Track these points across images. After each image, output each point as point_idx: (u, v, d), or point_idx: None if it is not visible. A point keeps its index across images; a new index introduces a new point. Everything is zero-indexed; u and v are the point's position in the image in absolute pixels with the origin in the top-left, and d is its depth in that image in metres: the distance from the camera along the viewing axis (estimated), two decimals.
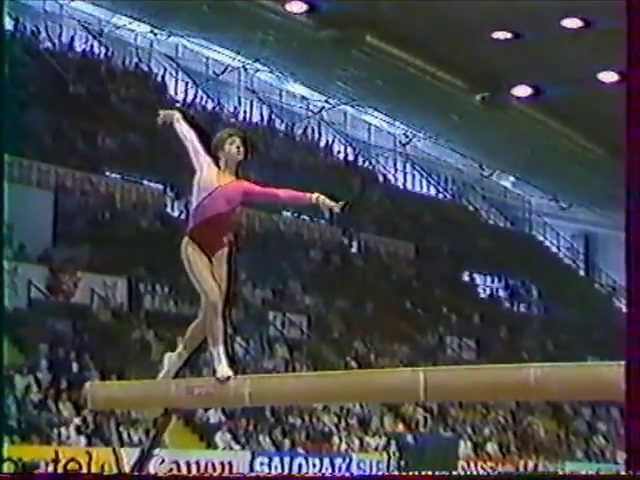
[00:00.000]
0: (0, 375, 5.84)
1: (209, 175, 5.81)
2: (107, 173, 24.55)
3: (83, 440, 16.49)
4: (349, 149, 33.69)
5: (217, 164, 5.85)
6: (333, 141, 33.25)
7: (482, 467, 20.61)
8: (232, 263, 5.90)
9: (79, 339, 19.15)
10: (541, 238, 37.40)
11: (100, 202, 23.11)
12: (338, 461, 19.32)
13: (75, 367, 18.18)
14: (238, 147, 5.87)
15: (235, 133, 5.95)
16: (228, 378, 5.66)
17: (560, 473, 16.80)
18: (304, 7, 25.15)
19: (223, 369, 5.73)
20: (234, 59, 30.24)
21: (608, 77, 25.94)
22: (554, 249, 37.43)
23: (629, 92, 3.95)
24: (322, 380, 5.65)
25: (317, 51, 27.20)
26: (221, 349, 5.83)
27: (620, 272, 35.68)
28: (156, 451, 6.43)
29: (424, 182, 35.95)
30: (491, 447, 22.17)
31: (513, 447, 22.69)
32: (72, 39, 28.00)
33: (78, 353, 18.50)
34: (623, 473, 4.03)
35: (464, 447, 21.13)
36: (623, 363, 4.40)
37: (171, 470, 15.66)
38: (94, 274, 20.54)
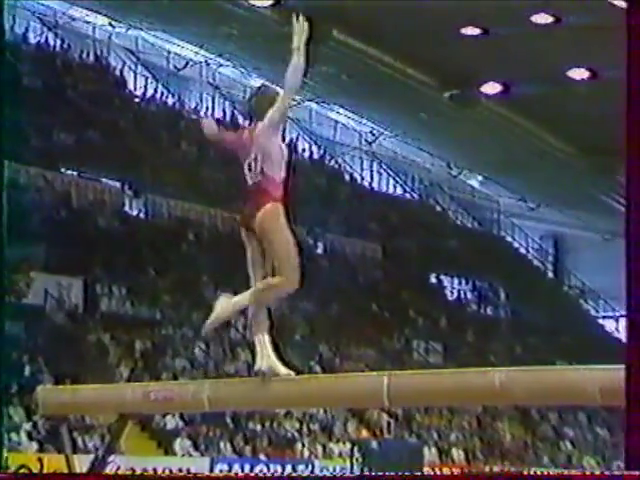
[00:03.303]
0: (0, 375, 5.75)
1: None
2: (63, 170, 24.32)
3: (34, 446, 16.34)
4: (314, 147, 33.69)
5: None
6: (298, 138, 33.22)
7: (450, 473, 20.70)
8: (280, 217, 5.39)
9: (32, 341, 18.97)
10: (509, 239, 37.63)
11: (55, 200, 22.90)
12: (300, 468, 19.32)
13: (27, 370, 18.00)
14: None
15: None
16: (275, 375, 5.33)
17: (561, 473, 16.85)
18: (269, 1, 25.10)
19: (277, 366, 5.40)
20: (196, 53, 30.11)
21: (578, 74, 26.16)
22: (522, 250, 37.68)
23: (629, 93, 3.94)
24: (284, 385, 5.62)
25: (282, 46, 27.04)
26: (266, 338, 5.53)
27: (589, 274, 36.08)
28: (111, 458, 6.37)
29: (391, 181, 36.03)
30: (456, 453, 22.28)
31: (479, 453, 22.81)
32: (26, 30, 27.72)
33: (31, 356, 18.32)
34: (623, 473, 4.05)
35: (429, 453, 21.22)
36: (590, 367, 4.43)
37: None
38: (48, 274, 20.35)
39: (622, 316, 36.29)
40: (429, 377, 5.31)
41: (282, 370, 5.44)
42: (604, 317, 36.13)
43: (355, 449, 18.62)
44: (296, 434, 20.52)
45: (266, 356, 5.49)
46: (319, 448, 20.38)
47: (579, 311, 35.89)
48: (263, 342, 5.54)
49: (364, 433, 21.17)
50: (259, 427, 20.17)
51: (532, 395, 4.84)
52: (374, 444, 19.08)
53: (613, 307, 36.22)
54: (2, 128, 5.08)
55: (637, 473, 3.93)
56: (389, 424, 21.81)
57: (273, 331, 5.58)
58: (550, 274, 38.31)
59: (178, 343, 21.53)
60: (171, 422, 18.97)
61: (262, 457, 19.44)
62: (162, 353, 20.87)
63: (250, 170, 5.50)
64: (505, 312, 32.03)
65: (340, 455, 20.10)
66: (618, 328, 35.84)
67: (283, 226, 5.42)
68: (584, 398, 4.60)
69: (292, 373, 5.45)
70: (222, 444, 19.33)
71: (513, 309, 32.00)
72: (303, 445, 20.28)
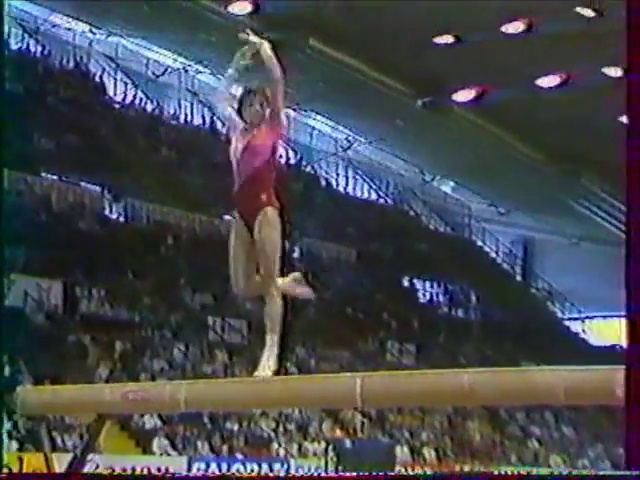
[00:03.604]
0: (0, 375, 5.72)
1: (235, 142, 5.48)
2: (43, 174, 24.20)
3: (14, 445, 16.24)
4: (291, 153, 33.72)
5: (243, 120, 5.45)
6: None
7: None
8: (278, 224, 5.42)
9: (11, 343, 18.83)
10: (480, 243, 37.82)
11: (36, 203, 22.78)
12: (276, 466, 19.31)
13: (7, 371, 17.88)
14: (257, 110, 5.41)
15: (252, 90, 5.43)
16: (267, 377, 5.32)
17: (562, 473, 16.86)
18: (247, 9, 25.10)
19: (266, 366, 5.41)
20: (175, 60, 30.06)
21: (547, 82, 26.36)
22: (493, 254, 37.88)
23: (629, 95, 3.95)
24: (260, 385, 5.63)
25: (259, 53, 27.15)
26: (275, 338, 5.51)
27: (556, 276, 36.33)
28: (89, 457, 6.35)
29: (366, 187, 36.12)
30: (428, 452, 22.35)
31: (449, 451, 22.90)
32: (7, 36, 27.55)
33: (10, 357, 18.21)
34: (623, 473, 4.07)
35: (401, 452, 21.27)
36: (555, 367, 4.47)
37: None
38: (28, 277, 20.24)
39: (588, 317, 36.59)
40: (400, 378, 5.34)
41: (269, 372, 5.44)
42: (570, 319, 36.39)
43: (329, 448, 18.65)
44: (272, 434, 20.52)
45: (270, 361, 5.48)
46: (295, 447, 20.39)
47: (546, 313, 36.11)
48: (272, 343, 5.54)
49: (338, 433, 21.19)
50: (236, 427, 20.16)
51: (499, 395, 4.87)
52: (348, 443, 19.12)
53: (579, 309, 36.51)
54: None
55: (637, 473, 3.91)
56: (363, 424, 21.85)
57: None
58: (519, 277, 38.54)
59: (157, 344, 21.48)
60: (150, 422, 18.91)
61: (239, 456, 19.42)
62: (141, 354, 20.80)
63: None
64: (476, 314, 32.17)
65: (315, 454, 20.11)
66: (584, 329, 36.14)
67: (279, 232, 5.46)
68: (549, 398, 4.63)
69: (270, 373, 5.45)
70: (199, 443, 19.29)
71: (483, 311, 32.16)
72: (279, 444, 20.28)
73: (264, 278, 5.56)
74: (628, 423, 3.86)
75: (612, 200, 33.54)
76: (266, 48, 5.44)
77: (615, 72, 25.29)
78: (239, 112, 5.49)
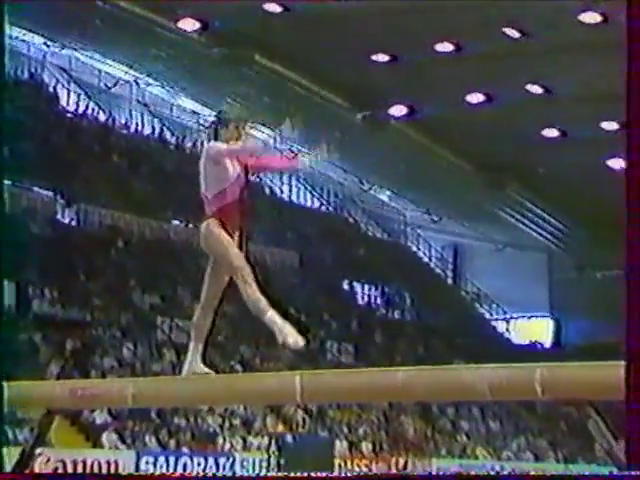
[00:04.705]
0: (0, 375, 5.55)
1: (230, 165, 5.69)
2: None
3: None
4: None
5: (216, 139, 5.69)
6: None
7: (357, 465, 20.80)
8: (245, 247, 5.60)
9: None
10: (414, 249, 38.11)
11: None
12: (222, 460, 19.18)
13: None
14: (240, 134, 5.77)
15: (241, 118, 5.83)
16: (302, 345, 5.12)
17: (563, 474, 16.85)
18: (196, 25, 24.98)
19: (293, 337, 5.16)
20: (126, 73, 29.79)
21: (475, 98, 26.69)
22: (426, 259, 38.20)
23: (629, 97, 3.94)
24: (206, 383, 5.59)
25: (208, 68, 27.05)
26: (274, 315, 5.27)
27: (483, 280, 36.81)
28: (38, 450, 6.24)
29: (308, 195, 36.17)
30: (365, 446, 22.40)
31: (385, 445, 22.98)
32: None
33: None
34: (623, 473, 4.05)
35: (340, 446, 21.29)
36: (480, 366, 4.51)
37: (57, 469, 15.26)
38: None
39: (512, 318, 37.10)
40: (338, 376, 5.35)
41: (298, 338, 5.20)
42: (496, 319, 36.88)
43: (272, 443, 18.60)
44: (218, 429, 20.38)
45: (288, 331, 5.23)
46: (239, 442, 20.28)
47: (475, 314, 36.51)
48: (274, 320, 5.30)
49: (281, 428, 21.14)
50: (183, 422, 19.99)
51: (430, 392, 4.90)
52: (290, 438, 19.09)
53: (504, 310, 37.02)
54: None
55: (637, 473, 3.91)
56: (304, 419, 21.83)
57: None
58: (450, 280, 38.91)
59: (107, 343, 21.22)
60: (100, 417, 18.66)
61: (185, 450, 19.25)
62: (91, 353, 20.53)
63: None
64: (410, 316, 32.39)
65: (259, 448, 20.02)
66: (508, 329, 36.65)
67: (216, 238, 5.49)
68: (475, 394, 4.67)
69: (302, 341, 5.20)
70: (147, 438, 19.08)
71: (417, 313, 32.39)
72: (224, 439, 20.15)
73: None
74: (629, 422, 3.83)
75: (534, 208, 34.10)
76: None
77: (536, 89, 25.74)
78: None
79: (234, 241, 5.56)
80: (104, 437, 18.36)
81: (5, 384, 5.54)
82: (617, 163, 29.18)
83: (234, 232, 5.59)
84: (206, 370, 5.55)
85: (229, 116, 5.79)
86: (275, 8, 23.70)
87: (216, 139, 5.69)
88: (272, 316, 5.33)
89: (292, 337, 5.22)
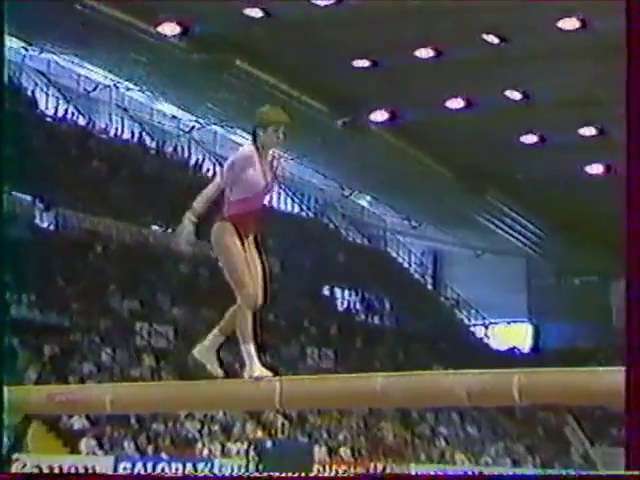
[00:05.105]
0: (0, 374, 5.48)
1: (258, 172, 5.30)
2: None
3: None
4: (218, 167, 33.55)
5: (254, 142, 5.30)
6: (203, 159, 33.04)
7: (336, 471, 20.77)
8: (260, 249, 5.51)
9: None
10: (394, 254, 38.17)
11: None
12: (201, 466, 19.10)
13: None
14: (278, 137, 5.33)
15: (281, 121, 5.36)
16: (262, 378, 5.25)
17: (563, 474, 16.79)
18: (177, 30, 24.92)
19: (257, 369, 5.33)
20: (105, 77, 29.67)
21: (455, 104, 26.77)
22: (406, 265, 38.28)
23: (628, 102, 3.94)
24: (184, 388, 5.57)
25: (188, 73, 26.99)
26: (252, 347, 5.48)
27: (463, 286, 36.93)
28: (15, 455, 6.19)
29: (289, 200, 36.16)
30: (344, 451, 22.38)
31: (364, 451, 22.96)
32: None
33: None
34: (623, 473, 4.04)
35: (319, 451, 21.25)
36: (459, 372, 4.52)
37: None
38: None
39: (491, 323, 37.24)
40: (317, 382, 5.34)
41: (267, 372, 5.36)
42: (475, 325, 37.00)
43: (251, 448, 18.54)
44: (197, 434, 20.30)
45: (255, 364, 5.42)
46: (218, 447, 20.20)
47: (454, 320, 36.61)
48: (249, 352, 5.52)
49: (260, 433, 21.08)
50: (162, 427, 19.89)
51: (409, 398, 4.91)
52: (269, 443, 19.03)
53: (483, 316, 37.15)
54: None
55: (637, 473, 3.91)
56: (283, 425, 21.77)
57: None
58: (429, 286, 39.00)
59: (85, 349, 21.10)
60: (78, 423, 18.54)
61: (164, 456, 19.16)
62: (70, 358, 20.40)
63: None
64: (390, 321, 32.43)
65: (238, 454, 19.95)
66: (487, 334, 36.79)
67: (225, 246, 5.40)
68: (454, 400, 4.67)
69: (268, 373, 5.34)
70: (126, 443, 18.98)
71: (397, 318, 32.43)
72: (203, 444, 20.07)
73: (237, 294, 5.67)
74: (629, 424, 3.82)
75: (513, 214, 34.25)
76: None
77: (516, 95, 25.87)
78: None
79: (246, 244, 5.43)
80: (82, 443, 18.25)
81: None
82: (595, 169, 29.38)
83: (247, 236, 5.44)
84: (265, 372, 5.36)
85: (269, 118, 5.37)
86: (256, 13, 23.69)
87: (255, 141, 5.32)
88: (249, 349, 5.54)
89: (259, 371, 5.36)
